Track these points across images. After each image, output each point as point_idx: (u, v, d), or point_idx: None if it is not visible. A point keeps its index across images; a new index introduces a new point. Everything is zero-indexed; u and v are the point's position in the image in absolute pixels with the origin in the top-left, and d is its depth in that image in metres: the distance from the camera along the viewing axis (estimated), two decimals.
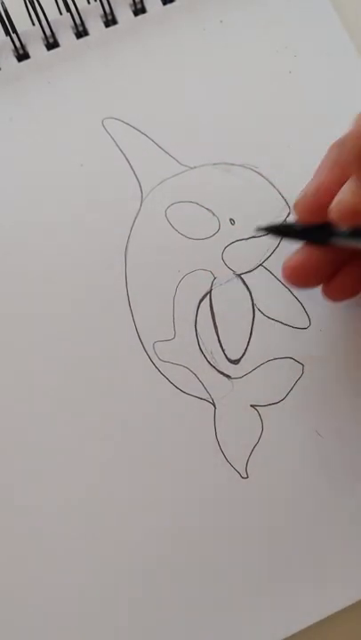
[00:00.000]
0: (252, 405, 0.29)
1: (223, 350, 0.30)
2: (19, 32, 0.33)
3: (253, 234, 0.30)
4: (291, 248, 0.28)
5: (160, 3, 0.34)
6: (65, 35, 0.33)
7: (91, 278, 0.31)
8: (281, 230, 0.29)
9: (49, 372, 0.30)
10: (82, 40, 0.33)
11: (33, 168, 0.32)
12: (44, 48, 0.33)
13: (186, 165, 0.32)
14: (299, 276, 0.27)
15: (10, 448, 0.29)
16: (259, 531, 0.29)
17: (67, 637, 0.28)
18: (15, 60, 0.33)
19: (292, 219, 0.31)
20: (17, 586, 0.28)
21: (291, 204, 0.31)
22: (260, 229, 0.28)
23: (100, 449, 0.29)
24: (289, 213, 0.31)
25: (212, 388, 0.30)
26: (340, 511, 0.29)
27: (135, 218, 0.31)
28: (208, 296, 0.30)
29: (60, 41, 0.33)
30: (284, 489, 0.29)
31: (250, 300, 0.30)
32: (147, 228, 0.31)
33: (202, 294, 0.30)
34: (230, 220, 0.31)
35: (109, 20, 0.34)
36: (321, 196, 0.25)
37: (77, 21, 0.33)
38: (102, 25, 0.34)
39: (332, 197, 0.24)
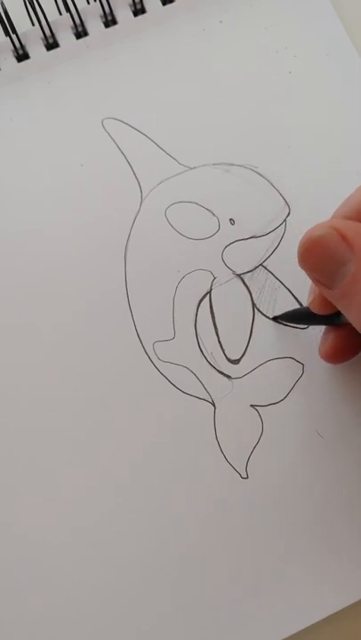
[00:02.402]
0: (252, 405, 0.29)
1: (223, 350, 0.30)
2: (19, 32, 0.33)
3: (272, 317, 0.31)
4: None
5: (160, 3, 0.34)
6: (65, 35, 0.33)
7: (90, 278, 0.31)
8: (299, 317, 0.30)
9: (49, 372, 0.30)
10: (82, 40, 0.33)
11: (33, 168, 0.32)
12: (44, 48, 0.33)
13: (186, 165, 0.32)
14: (337, 357, 0.29)
15: (8, 446, 0.29)
16: (259, 531, 0.29)
17: (67, 637, 0.28)
18: (15, 60, 0.33)
19: (292, 221, 0.31)
20: (16, 586, 0.28)
21: (290, 205, 0.31)
22: (277, 318, 0.30)
23: (99, 448, 0.29)
24: (289, 213, 0.31)
25: (212, 388, 0.30)
26: (340, 511, 0.29)
27: (135, 218, 0.31)
28: (208, 296, 0.30)
29: (59, 41, 0.33)
30: (284, 489, 0.29)
31: (250, 300, 0.30)
32: (146, 228, 0.31)
33: (202, 294, 0.30)
34: (230, 220, 0.31)
35: (109, 21, 0.34)
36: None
37: (77, 22, 0.33)
38: (102, 25, 0.34)
39: None
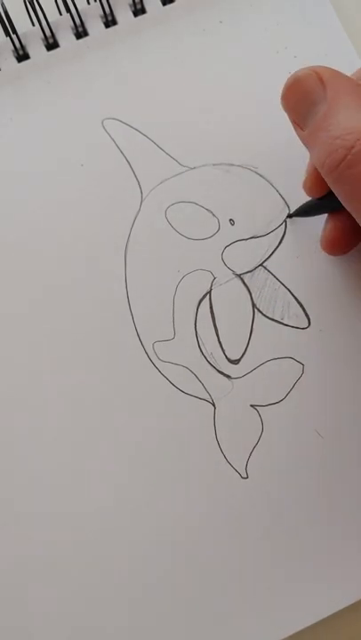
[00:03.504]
0: (252, 405, 0.29)
1: (223, 350, 0.30)
2: (19, 32, 0.33)
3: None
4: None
5: (160, 3, 0.34)
6: (65, 35, 0.33)
7: (90, 278, 0.31)
8: (304, 210, 0.30)
9: (48, 372, 0.30)
10: (82, 40, 0.33)
11: (33, 168, 0.32)
12: (44, 48, 0.33)
13: (186, 165, 0.32)
14: (335, 247, 0.29)
15: (9, 445, 0.29)
16: (259, 531, 0.29)
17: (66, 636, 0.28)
18: (15, 60, 0.33)
19: (291, 221, 0.31)
20: (17, 586, 0.28)
21: (290, 205, 0.31)
22: (291, 215, 0.31)
23: (99, 448, 0.29)
24: (289, 214, 0.31)
25: (212, 388, 0.30)
26: (340, 511, 0.29)
27: (135, 218, 0.31)
28: (208, 296, 0.30)
29: (59, 41, 0.33)
30: (284, 489, 0.29)
31: (250, 300, 0.30)
32: (146, 228, 0.31)
33: (202, 294, 0.30)
34: (230, 220, 0.31)
35: (109, 21, 0.34)
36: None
37: (77, 22, 0.33)
38: (102, 25, 0.34)
39: None
